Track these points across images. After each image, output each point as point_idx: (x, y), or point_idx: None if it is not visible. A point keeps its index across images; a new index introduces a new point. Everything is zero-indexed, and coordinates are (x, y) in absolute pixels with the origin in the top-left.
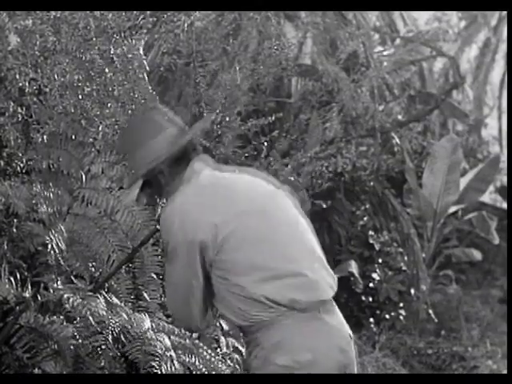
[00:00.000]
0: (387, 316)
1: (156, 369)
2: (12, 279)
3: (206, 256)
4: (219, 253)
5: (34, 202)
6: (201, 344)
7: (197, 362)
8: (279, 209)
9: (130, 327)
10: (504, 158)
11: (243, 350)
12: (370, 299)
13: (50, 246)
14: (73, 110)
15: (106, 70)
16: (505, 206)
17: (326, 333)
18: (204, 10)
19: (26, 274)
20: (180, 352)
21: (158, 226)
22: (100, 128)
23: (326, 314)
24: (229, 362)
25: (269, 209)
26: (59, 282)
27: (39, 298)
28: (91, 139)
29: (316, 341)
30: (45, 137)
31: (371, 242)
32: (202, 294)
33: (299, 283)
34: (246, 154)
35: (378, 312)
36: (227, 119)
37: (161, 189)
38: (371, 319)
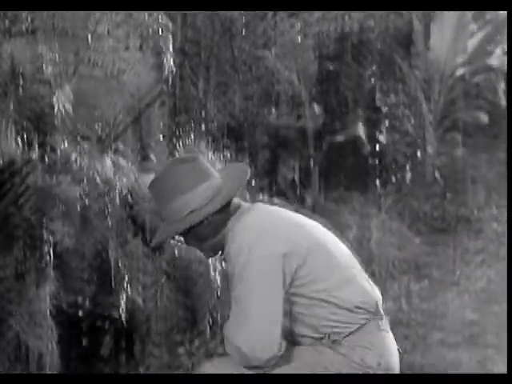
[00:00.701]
0: (393, 179)
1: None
2: (19, 140)
3: (287, 273)
4: (303, 266)
5: (39, 63)
6: None
7: None
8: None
9: (137, 188)
10: None
11: None
12: (377, 162)
13: (56, 108)
14: None
15: None
16: None
17: (393, 342)
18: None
19: (32, 135)
20: None
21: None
22: None
23: (388, 327)
24: None
25: (322, 227)
26: (66, 143)
27: (46, 159)
28: None
29: (393, 347)
30: None
31: (378, 104)
32: (283, 318)
33: (368, 284)
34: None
35: (384, 174)
36: None
37: (201, 242)
38: (377, 181)
